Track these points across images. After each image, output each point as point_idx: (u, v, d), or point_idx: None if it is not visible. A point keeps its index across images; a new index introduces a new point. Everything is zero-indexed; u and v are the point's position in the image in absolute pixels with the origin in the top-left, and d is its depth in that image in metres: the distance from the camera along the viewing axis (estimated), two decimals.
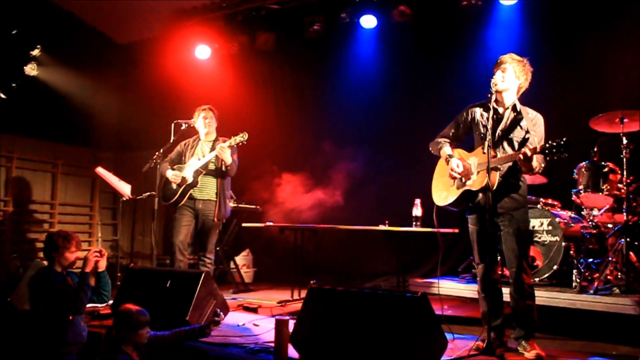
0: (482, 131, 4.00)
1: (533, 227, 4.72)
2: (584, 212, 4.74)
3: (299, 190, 6.82)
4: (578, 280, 4.28)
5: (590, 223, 4.63)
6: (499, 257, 4.08)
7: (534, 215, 4.71)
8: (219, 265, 6.74)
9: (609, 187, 4.53)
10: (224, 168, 5.27)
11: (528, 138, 3.88)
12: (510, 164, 3.84)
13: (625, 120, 4.49)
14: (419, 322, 3.25)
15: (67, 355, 3.91)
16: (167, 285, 4.40)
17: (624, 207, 4.37)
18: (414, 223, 5.17)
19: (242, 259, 7.43)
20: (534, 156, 3.62)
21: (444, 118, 4.27)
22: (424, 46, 6.77)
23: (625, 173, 4.44)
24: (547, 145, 3.53)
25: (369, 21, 6.95)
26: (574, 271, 4.33)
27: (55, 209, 7.83)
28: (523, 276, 3.82)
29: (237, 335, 4.20)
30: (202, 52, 7.89)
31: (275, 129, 7.74)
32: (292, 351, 3.55)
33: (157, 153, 5.33)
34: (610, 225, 4.70)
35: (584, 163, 4.72)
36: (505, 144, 3.93)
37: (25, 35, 6.24)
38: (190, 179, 5.26)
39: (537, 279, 4.62)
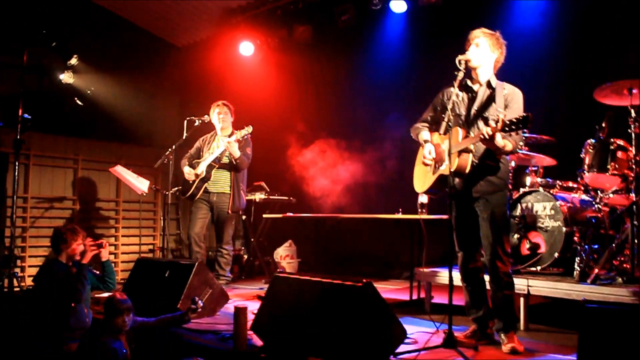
0: (457, 111, 3.81)
1: (536, 211, 4.39)
2: (601, 194, 4.31)
3: (338, 179, 6.84)
4: (578, 269, 3.93)
5: (596, 206, 4.21)
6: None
7: (537, 199, 4.38)
8: (251, 257, 6.92)
9: (616, 166, 4.09)
10: (234, 162, 5.42)
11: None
12: None
13: (634, 91, 4.03)
14: (367, 312, 3.19)
15: (71, 339, 4.23)
16: (166, 275, 4.64)
17: (633, 187, 3.92)
18: (419, 210, 5.01)
19: (285, 250, 7.53)
20: (497, 135, 3.39)
21: None
22: (454, 28, 6.49)
23: (635, 150, 3.99)
24: (507, 122, 3.29)
25: (399, 6, 6.80)
26: (576, 259, 3.98)
27: (120, 206, 8.43)
28: (498, 264, 3.60)
29: (225, 322, 4.31)
30: (246, 48, 8.11)
31: (315, 121, 7.79)
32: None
33: (170, 149, 5.59)
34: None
35: (590, 140, 4.30)
36: (480, 123, 3.71)
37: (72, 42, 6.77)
38: (204, 173, 5.48)
39: (538, 268, 4.29)
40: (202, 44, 8.92)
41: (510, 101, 3.66)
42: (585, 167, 4.24)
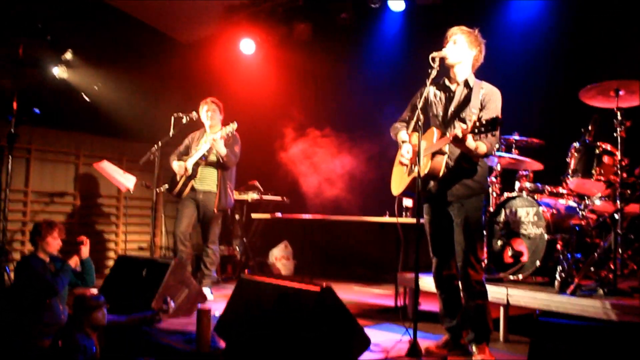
0: (434, 111, 3.69)
1: (520, 217, 4.23)
2: (588, 201, 4.12)
3: (334, 180, 6.75)
4: (559, 279, 3.77)
5: (580, 213, 4.03)
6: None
7: (521, 204, 4.22)
8: (243, 257, 6.87)
9: (602, 171, 3.91)
10: (220, 159, 5.36)
11: (481, 117, 3.51)
12: None
13: (621, 92, 3.83)
14: (325, 318, 3.09)
15: (44, 335, 4.23)
16: (143, 273, 4.60)
17: (617, 194, 3.74)
18: (403, 213, 4.89)
19: (279, 251, 7.48)
20: (469, 137, 3.25)
21: None
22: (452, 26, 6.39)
23: (620, 155, 3.81)
24: (477, 124, 3.16)
25: (397, 5, 6.68)
26: (558, 268, 3.82)
27: (120, 202, 8.45)
28: (469, 272, 3.47)
29: None
30: (247, 46, 8.06)
31: (313, 119, 7.70)
32: None
33: (155, 146, 5.55)
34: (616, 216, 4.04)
35: (575, 144, 4.12)
36: (457, 123, 3.56)
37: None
38: (190, 171, 5.43)
39: (520, 276, 4.13)
40: (206, 40, 8.88)
41: (488, 102, 3.53)
42: (570, 171, 4.07)
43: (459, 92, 3.63)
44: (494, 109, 3.51)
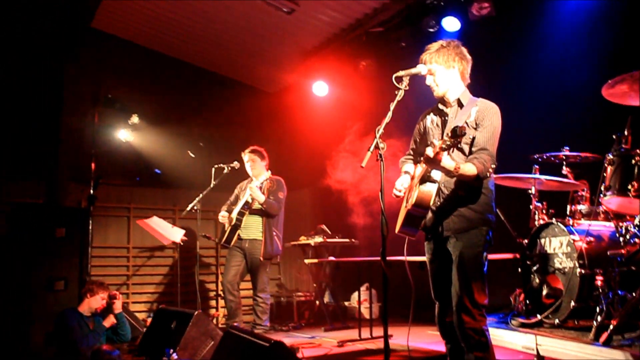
0: (432, 138, 3.30)
1: (554, 249, 3.53)
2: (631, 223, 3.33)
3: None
4: (595, 323, 3.07)
5: (621, 239, 3.24)
6: None
7: (553, 233, 3.53)
8: (317, 301, 6.65)
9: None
10: (262, 207, 5.32)
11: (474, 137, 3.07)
12: None
13: None
14: None
15: None
16: (172, 325, 4.61)
17: None
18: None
19: (361, 294, 7.13)
20: (443, 156, 2.81)
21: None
22: (508, 40, 5.87)
23: None
24: (446, 139, 2.75)
25: (452, 24, 6.26)
26: (597, 309, 3.12)
27: (219, 252, 8.72)
28: (464, 318, 2.98)
29: None
30: (320, 88, 8.05)
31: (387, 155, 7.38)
32: None
33: (197, 198, 5.64)
34: None
35: (608, 155, 3.37)
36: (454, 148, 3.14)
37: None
38: (234, 220, 5.44)
39: (557, 320, 3.42)
40: (288, 88, 9.06)
41: (482, 119, 3.10)
42: (602, 187, 3.33)
43: (452, 114, 3.25)
44: (489, 126, 3.06)
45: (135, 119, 6.63)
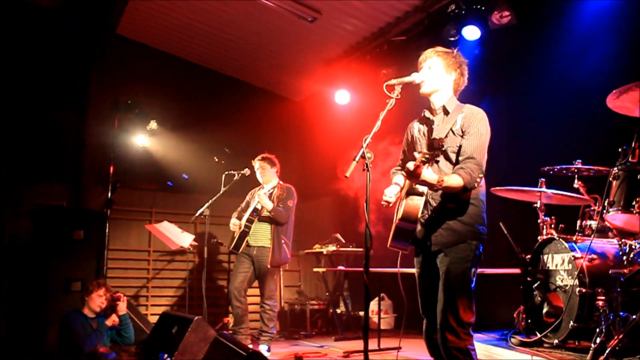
0: (419, 147, 3.22)
1: (556, 265, 3.38)
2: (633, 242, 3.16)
3: None
4: (593, 345, 2.92)
5: (624, 258, 3.07)
6: None
7: (555, 249, 3.38)
8: (331, 309, 6.58)
9: None
10: (270, 214, 5.30)
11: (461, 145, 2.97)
12: None
13: None
14: None
15: None
16: (173, 330, 4.61)
17: None
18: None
19: (377, 304, 7.02)
20: (423, 169, 2.72)
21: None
22: (528, 48, 5.72)
23: None
24: (425, 151, 2.66)
25: (472, 33, 6.13)
26: (597, 330, 2.97)
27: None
28: (448, 337, 2.87)
29: None
30: (342, 97, 8.01)
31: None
32: None
33: (206, 204, 5.65)
34: None
35: (612, 169, 3.21)
36: (440, 157, 3.05)
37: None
38: (242, 227, 5.43)
39: (556, 340, 3.27)
40: (311, 96, 9.06)
41: (469, 126, 2.99)
42: (607, 203, 3.17)
43: (438, 122, 3.14)
44: (475, 133, 2.96)
45: (153, 124, 6.71)
